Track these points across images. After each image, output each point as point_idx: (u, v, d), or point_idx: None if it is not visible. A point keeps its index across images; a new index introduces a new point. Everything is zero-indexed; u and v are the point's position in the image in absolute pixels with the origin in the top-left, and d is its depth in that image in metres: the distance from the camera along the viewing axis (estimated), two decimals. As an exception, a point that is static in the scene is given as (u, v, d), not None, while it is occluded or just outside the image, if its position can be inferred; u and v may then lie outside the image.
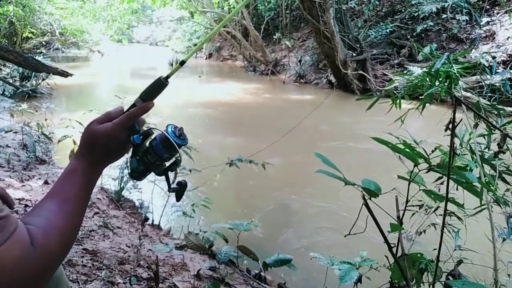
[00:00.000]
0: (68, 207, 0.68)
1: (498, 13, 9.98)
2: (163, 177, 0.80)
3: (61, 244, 0.64)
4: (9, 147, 3.87)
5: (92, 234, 2.23)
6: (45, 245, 0.61)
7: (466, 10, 10.13)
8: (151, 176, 0.82)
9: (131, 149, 0.78)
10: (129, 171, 0.79)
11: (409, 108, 1.46)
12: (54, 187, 0.71)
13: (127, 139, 0.73)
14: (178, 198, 0.81)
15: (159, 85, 0.76)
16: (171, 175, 0.80)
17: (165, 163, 0.78)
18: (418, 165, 1.14)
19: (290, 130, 3.33)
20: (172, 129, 0.75)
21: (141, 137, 0.74)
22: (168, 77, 0.76)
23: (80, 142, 0.75)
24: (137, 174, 0.78)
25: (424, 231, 1.76)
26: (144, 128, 0.79)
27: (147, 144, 0.75)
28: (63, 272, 0.85)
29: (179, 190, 0.80)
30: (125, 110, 0.77)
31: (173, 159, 0.77)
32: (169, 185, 0.79)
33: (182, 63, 0.76)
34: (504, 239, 1.42)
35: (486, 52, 8.79)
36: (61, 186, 0.70)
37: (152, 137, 0.76)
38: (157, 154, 0.74)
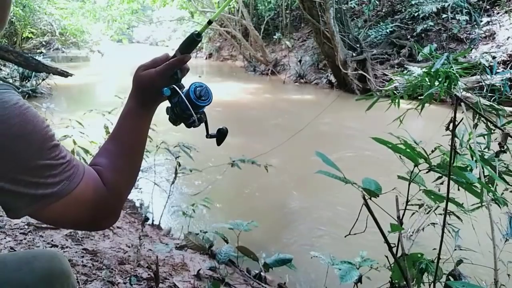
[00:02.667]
0: (125, 147, 0.73)
1: (498, 13, 9.98)
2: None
3: (125, 182, 0.71)
4: (9, 147, 3.87)
5: (92, 234, 2.23)
6: (113, 183, 0.67)
7: (466, 10, 10.13)
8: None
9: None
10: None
11: (408, 108, 1.46)
12: (113, 130, 0.77)
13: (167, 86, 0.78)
14: (219, 143, 0.84)
15: (192, 41, 0.80)
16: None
17: (194, 117, 0.78)
18: (418, 165, 1.14)
19: (295, 134, 3.34)
20: (193, 89, 0.77)
21: (170, 90, 0.77)
22: (199, 34, 0.79)
23: (132, 86, 0.80)
24: (172, 120, 0.83)
25: (423, 229, 1.75)
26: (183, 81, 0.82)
27: (177, 97, 0.78)
28: (71, 272, 0.85)
29: (219, 137, 0.83)
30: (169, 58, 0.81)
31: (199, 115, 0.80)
32: (207, 131, 0.83)
33: (210, 22, 0.80)
34: (506, 240, 1.42)
35: (486, 52, 8.80)
36: (117, 128, 0.76)
37: (184, 91, 0.79)
38: (181, 109, 0.78)
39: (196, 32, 0.79)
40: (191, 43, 0.81)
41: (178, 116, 0.80)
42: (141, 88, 0.79)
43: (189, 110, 0.76)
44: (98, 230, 0.69)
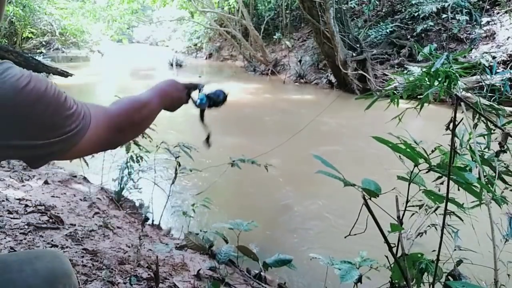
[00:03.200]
0: (139, 104, 0.87)
1: (498, 13, 9.98)
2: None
3: (133, 122, 0.84)
4: (9, 147, 3.87)
5: (92, 234, 2.23)
6: (121, 106, 0.83)
7: (466, 10, 10.13)
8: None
9: None
10: None
11: (407, 107, 1.46)
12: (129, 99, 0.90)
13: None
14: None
15: None
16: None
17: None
18: (418, 165, 1.14)
19: (295, 134, 3.33)
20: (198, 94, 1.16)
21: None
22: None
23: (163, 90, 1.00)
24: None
25: (425, 231, 1.75)
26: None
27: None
28: (73, 272, 0.86)
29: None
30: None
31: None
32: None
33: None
34: (506, 240, 1.42)
35: (486, 52, 8.80)
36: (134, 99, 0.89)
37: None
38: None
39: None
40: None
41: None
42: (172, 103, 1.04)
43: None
44: (114, 148, 0.84)
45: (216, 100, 1.18)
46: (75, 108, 0.69)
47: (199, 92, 1.16)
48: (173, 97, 1.02)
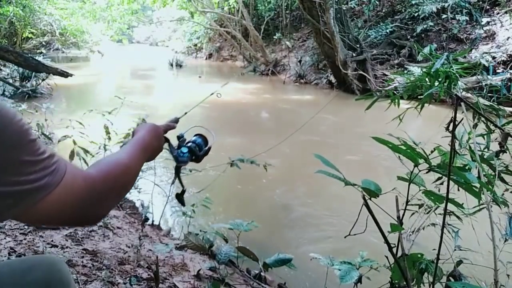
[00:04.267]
0: (122, 167, 0.72)
1: (498, 13, 9.98)
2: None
3: (113, 184, 0.68)
4: (9, 147, 3.87)
5: (92, 234, 2.23)
6: (104, 175, 0.66)
7: (466, 10, 10.13)
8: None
9: None
10: None
11: (408, 107, 1.46)
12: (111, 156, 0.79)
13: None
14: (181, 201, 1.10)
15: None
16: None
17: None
18: (418, 165, 1.14)
19: (293, 133, 3.33)
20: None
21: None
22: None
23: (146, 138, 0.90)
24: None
25: (423, 228, 1.75)
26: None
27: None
28: (71, 280, 0.83)
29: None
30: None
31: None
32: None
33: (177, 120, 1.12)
34: (506, 240, 1.42)
35: (486, 52, 8.80)
36: (121, 150, 0.80)
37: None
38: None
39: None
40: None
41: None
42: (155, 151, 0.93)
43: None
44: (88, 225, 0.72)
45: (197, 154, 1.04)
46: (44, 157, 0.55)
47: (179, 142, 1.04)
48: (155, 147, 0.90)
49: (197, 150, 1.04)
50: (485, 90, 7.20)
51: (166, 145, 1.02)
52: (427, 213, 1.69)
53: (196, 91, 10.43)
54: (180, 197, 1.08)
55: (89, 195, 0.61)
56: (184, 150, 1.02)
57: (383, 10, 12.63)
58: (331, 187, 3.70)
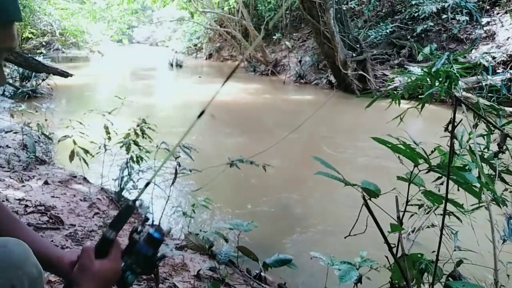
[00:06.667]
0: None
1: (498, 13, 9.98)
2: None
3: None
4: (9, 147, 3.87)
5: (92, 235, 2.23)
6: None
7: (466, 11, 10.13)
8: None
9: None
10: None
11: (408, 107, 1.46)
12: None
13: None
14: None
15: (127, 211, 0.83)
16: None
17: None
18: (418, 166, 1.14)
19: (292, 131, 3.34)
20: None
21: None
22: (135, 202, 0.82)
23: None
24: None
25: (422, 228, 1.75)
26: None
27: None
28: (26, 263, 0.74)
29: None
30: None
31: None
32: None
33: (148, 184, 0.84)
34: (504, 240, 1.42)
35: (486, 53, 8.80)
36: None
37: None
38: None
39: (131, 201, 0.82)
40: (127, 213, 0.83)
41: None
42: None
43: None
44: None
45: (143, 267, 0.83)
46: None
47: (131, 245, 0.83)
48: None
49: (140, 263, 0.81)
50: (485, 90, 7.20)
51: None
52: (427, 213, 1.69)
53: (196, 91, 10.43)
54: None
55: None
56: (127, 273, 0.80)
57: (383, 10, 12.63)
58: (331, 187, 3.70)
